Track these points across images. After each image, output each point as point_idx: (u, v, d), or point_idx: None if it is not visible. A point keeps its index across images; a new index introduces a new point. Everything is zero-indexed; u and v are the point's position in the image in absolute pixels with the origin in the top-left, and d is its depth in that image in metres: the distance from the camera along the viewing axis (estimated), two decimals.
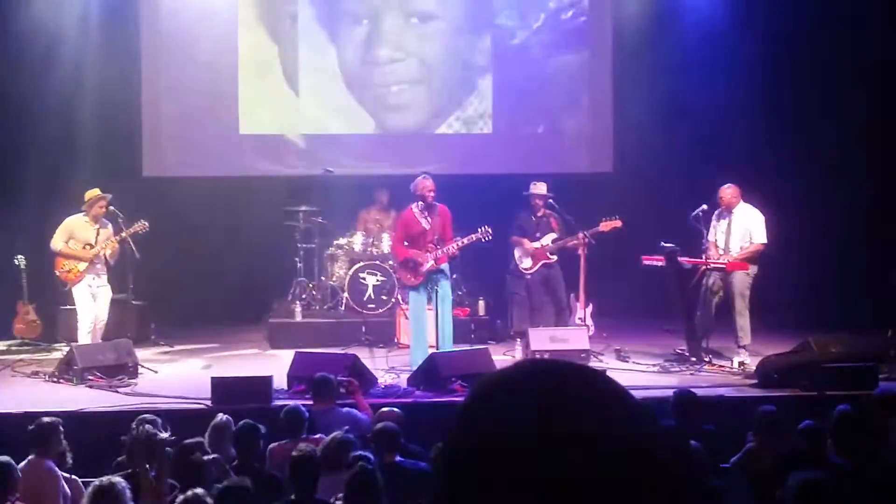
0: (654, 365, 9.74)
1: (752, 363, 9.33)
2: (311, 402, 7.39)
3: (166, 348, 11.25)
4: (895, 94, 12.25)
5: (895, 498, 5.10)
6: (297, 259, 12.00)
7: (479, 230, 9.67)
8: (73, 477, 5.93)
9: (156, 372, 9.75)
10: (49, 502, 5.73)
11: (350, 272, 11.66)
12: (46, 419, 6.19)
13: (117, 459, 6.00)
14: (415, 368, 9.20)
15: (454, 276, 11.56)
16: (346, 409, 7.36)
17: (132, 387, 9.03)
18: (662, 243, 9.86)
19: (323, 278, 12.11)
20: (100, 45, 12.57)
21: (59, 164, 12.08)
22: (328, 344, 10.57)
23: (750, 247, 9.82)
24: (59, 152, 12.21)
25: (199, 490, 4.77)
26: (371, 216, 12.32)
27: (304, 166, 13.04)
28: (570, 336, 9.90)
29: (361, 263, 11.71)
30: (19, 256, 11.43)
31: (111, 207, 10.21)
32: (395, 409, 7.03)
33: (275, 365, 9.40)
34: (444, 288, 9.71)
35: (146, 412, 7.02)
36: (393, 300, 11.51)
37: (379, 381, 8.92)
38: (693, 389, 7.44)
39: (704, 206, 9.89)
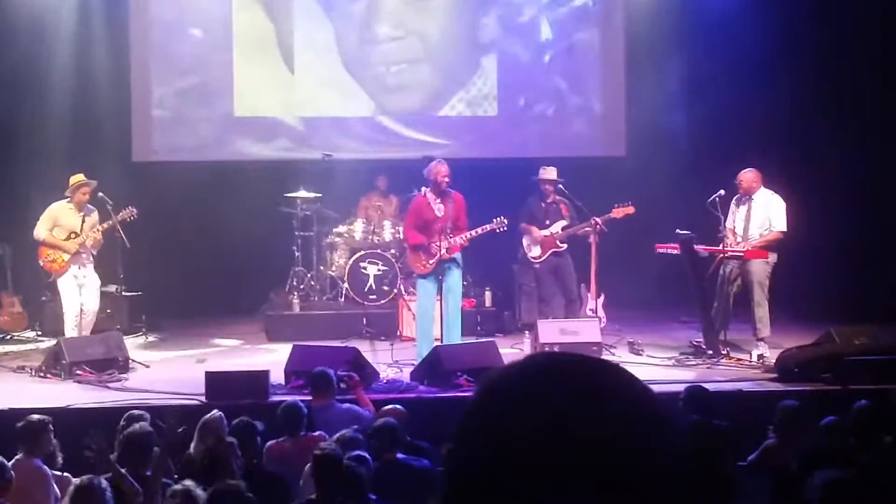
0: (669, 358, 9.73)
1: (771, 356, 9.31)
2: (309, 398, 7.39)
3: (158, 341, 11.26)
4: None
5: None
6: (294, 248, 12.00)
7: (495, 220, 9.66)
8: (66, 475, 5.94)
9: (147, 366, 9.76)
10: (39, 502, 5.75)
11: (350, 261, 11.66)
12: (36, 417, 6.20)
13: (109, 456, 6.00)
14: (419, 362, 9.20)
15: (468, 279, 11.58)
16: (346, 405, 7.36)
17: (123, 382, 9.04)
18: (678, 231, 9.84)
19: (322, 268, 12.11)
20: (86, 24, 12.54)
21: (44, 148, 12.07)
22: (327, 337, 10.58)
23: (769, 234, 9.79)
24: (43, 136, 12.20)
25: (188, 482, 4.78)
26: (372, 203, 12.32)
27: (302, 151, 13.03)
28: (580, 328, 9.88)
29: (362, 252, 11.70)
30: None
31: (100, 194, 10.19)
32: (398, 406, 7.03)
33: (272, 359, 9.41)
34: (455, 278, 9.70)
35: (137, 408, 7.05)
36: (395, 291, 11.50)
37: (381, 376, 8.92)
38: (710, 383, 7.44)
39: (722, 192, 9.86)
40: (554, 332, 9.73)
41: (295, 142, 13.23)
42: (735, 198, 10.01)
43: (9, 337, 11.38)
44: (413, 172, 10.66)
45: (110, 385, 8.88)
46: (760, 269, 9.70)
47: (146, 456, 5.75)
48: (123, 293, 11.07)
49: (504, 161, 12.71)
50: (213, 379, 8.17)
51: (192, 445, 6.12)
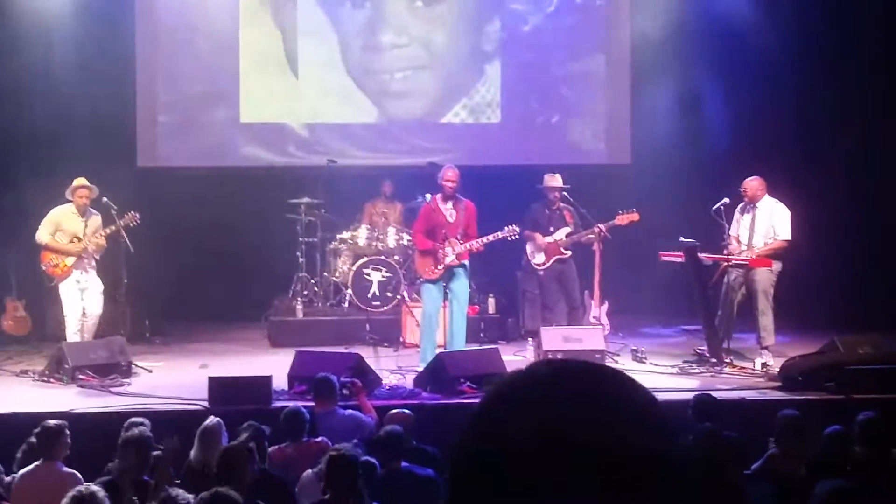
0: (672, 366, 9.71)
1: (775, 365, 9.29)
2: (312, 404, 7.39)
3: (161, 346, 11.26)
4: None
5: None
6: (298, 254, 12.00)
7: (506, 229, 9.69)
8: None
9: (150, 371, 9.76)
10: None
11: (354, 267, 11.65)
12: (52, 422, 6.23)
13: (108, 466, 6.01)
14: (423, 367, 9.19)
15: (473, 286, 11.58)
16: (349, 412, 7.36)
17: (125, 387, 9.04)
18: (682, 238, 9.83)
19: (325, 274, 12.11)
20: (92, 30, 12.54)
21: (48, 153, 12.08)
22: (331, 343, 10.56)
23: (774, 243, 9.78)
24: (48, 141, 12.20)
25: (178, 491, 4.78)
26: (376, 209, 12.31)
27: (307, 157, 13.05)
28: (584, 335, 9.86)
29: (366, 258, 11.70)
30: None
31: (104, 199, 10.20)
32: (406, 411, 7.04)
33: (275, 364, 9.40)
34: (462, 285, 9.71)
35: (140, 413, 7.05)
36: (399, 297, 11.50)
37: (384, 382, 8.92)
38: (713, 392, 7.43)
39: (727, 200, 9.85)
40: (557, 339, 9.71)
41: (300, 148, 13.25)
42: (739, 206, 10.00)
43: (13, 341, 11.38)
44: (417, 179, 10.69)
45: (113, 390, 8.88)
46: (765, 278, 9.68)
47: (145, 461, 5.76)
48: (127, 298, 11.07)
49: (507, 168, 12.72)
50: (216, 384, 8.16)
51: (192, 452, 6.13)
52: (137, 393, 8.74)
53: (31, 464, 6.00)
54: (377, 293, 11.58)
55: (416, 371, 9.26)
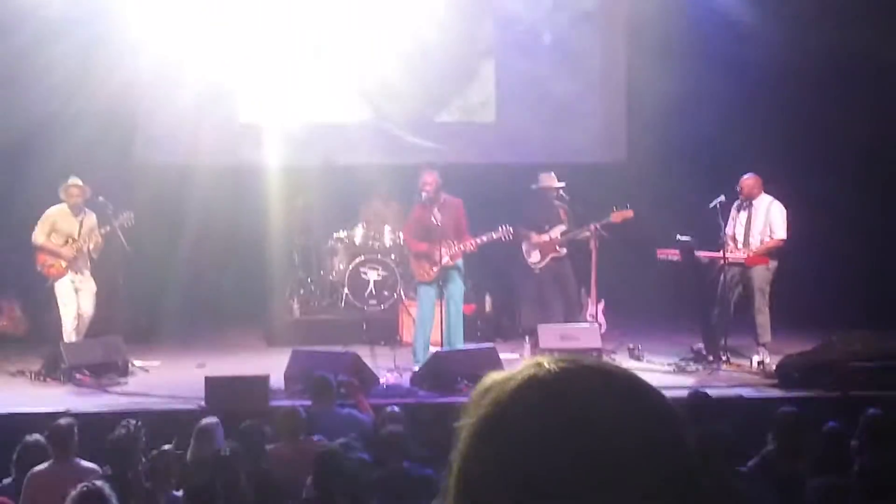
0: (669, 364, 9.73)
1: (772, 362, 9.31)
2: (309, 403, 7.39)
3: (158, 345, 11.25)
4: None
5: None
6: (295, 253, 12.00)
7: (500, 229, 9.69)
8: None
9: (147, 370, 9.76)
10: None
11: (350, 267, 11.65)
12: (63, 420, 6.27)
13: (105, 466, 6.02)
14: (417, 366, 9.20)
15: (469, 283, 11.58)
16: (346, 411, 7.36)
17: (122, 386, 9.05)
18: (678, 236, 9.84)
19: (322, 273, 12.11)
20: (89, 27, 12.50)
21: (46, 151, 12.04)
22: (327, 342, 10.56)
23: (769, 241, 9.79)
24: (45, 139, 12.15)
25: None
26: (372, 208, 12.30)
27: (303, 156, 13.02)
28: (580, 333, 9.88)
29: (362, 257, 11.70)
30: None
31: (100, 198, 10.19)
32: (395, 409, 7.06)
33: (272, 364, 9.40)
34: (457, 285, 9.73)
35: (137, 413, 7.06)
36: (395, 296, 11.50)
37: (381, 381, 8.92)
38: (710, 389, 7.44)
39: (723, 197, 9.85)
40: (554, 337, 9.73)
41: (296, 148, 13.21)
42: (736, 203, 10.01)
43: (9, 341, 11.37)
44: (413, 178, 10.65)
45: (109, 389, 8.89)
46: (761, 276, 9.69)
47: (129, 460, 5.78)
48: (123, 297, 11.07)
49: (502, 167, 12.71)
50: (212, 384, 8.17)
51: (189, 451, 6.13)
52: (134, 392, 8.75)
53: (30, 464, 6.00)
54: (374, 292, 11.58)
55: (413, 370, 9.26)
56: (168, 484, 5.56)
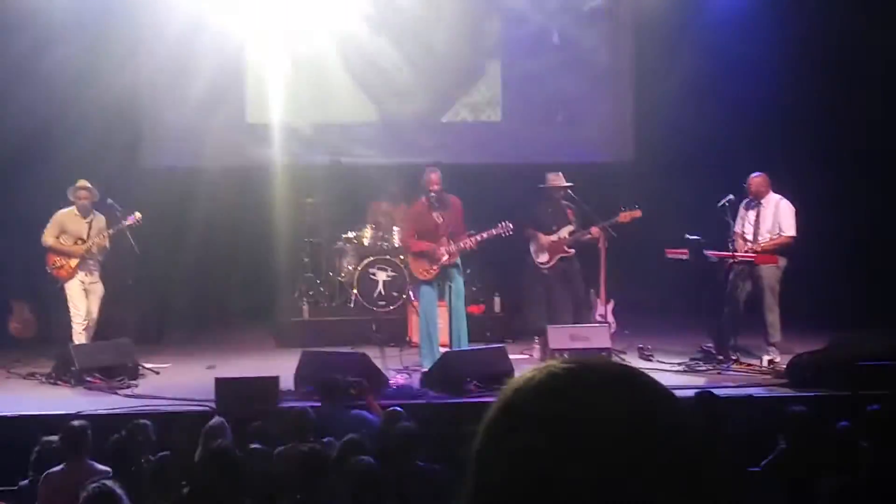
0: (678, 363, 9.72)
1: (782, 361, 9.30)
2: (318, 404, 7.40)
3: (168, 348, 11.27)
4: None
5: None
6: (303, 254, 12.01)
7: (500, 225, 9.65)
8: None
9: (157, 373, 9.78)
10: None
11: (359, 267, 11.65)
12: (76, 422, 6.30)
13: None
14: (426, 368, 9.20)
15: (468, 270, 11.57)
16: (355, 412, 7.36)
17: (132, 388, 9.06)
18: (687, 235, 9.83)
19: (331, 274, 12.11)
20: (95, 26, 12.53)
21: (55, 154, 12.06)
22: (337, 343, 10.58)
23: (778, 238, 9.77)
24: (53, 142, 12.17)
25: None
26: (381, 208, 12.29)
27: (312, 156, 13.04)
28: (590, 334, 9.87)
29: (371, 258, 11.70)
30: None
31: (109, 201, 10.22)
32: (398, 409, 7.07)
33: (281, 365, 9.41)
34: (458, 283, 9.72)
35: (147, 415, 7.08)
36: (404, 297, 11.50)
37: (390, 382, 8.93)
38: (720, 389, 7.42)
39: (731, 196, 9.84)
40: (564, 337, 9.72)
41: (304, 148, 13.24)
42: (744, 202, 9.99)
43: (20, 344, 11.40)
44: (422, 177, 10.63)
45: (120, 392, 8.91)
46: (771, 274, 9.68)
47: (130, 462, 5.80)
48: (133, 299, 11.08)
49: (509, 167, 12.70)
50: (222, 385, 8.18)
51: (198, 453, 6.13)
52: (144, 394, 8.76)
53: (47, 465, 6.02)
54: (383, 293, 11.58)
55: (422, 370, 9.26)
56: (173, 486, 5.56)
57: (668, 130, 12.59)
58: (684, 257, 9.90)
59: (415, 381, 9.07)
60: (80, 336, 9.93)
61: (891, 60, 12.15)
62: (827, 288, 11.52)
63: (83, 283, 10.08)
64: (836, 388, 8.31)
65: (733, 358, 9.64)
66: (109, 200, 10.25)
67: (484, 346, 10.04)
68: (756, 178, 9.90)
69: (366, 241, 11.94)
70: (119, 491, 4.72)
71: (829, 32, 12.27)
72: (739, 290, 9.79)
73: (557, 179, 10.67)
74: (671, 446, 1.07)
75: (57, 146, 12.14)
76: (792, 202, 9.84)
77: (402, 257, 11.69)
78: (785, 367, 9.03)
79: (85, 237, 10.09)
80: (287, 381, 8.56)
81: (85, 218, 10.15)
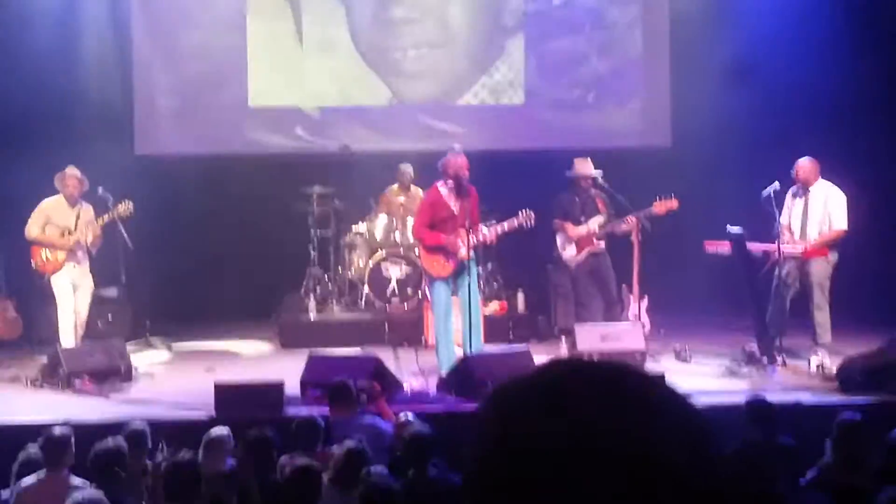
0: (719, 367, 9.69)
1: (832, 364, 9.26)
2: (327, 411, 7.41)
3: (164, 350, 11.31)
4: None
5: None
6: (310, 247, 12.03)
7: (520, 214, 9.59)
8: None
9: (152, 376, 9.81)
10: None
11: (371, 262, 11.67)
12: (58, 430, 6.30)
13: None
14: (443, 372, 9.19)
15: (489, 265, 11.57)
16: (367, 419, 7.37)
17: (125, 393, 9.10)
18: (729, 227, 9.80)
19: (340, 269, 12.13)
20: (83, 3, 12.57)
21: (40, 140, 12.11)
22: (347, 344, 10.59)
23: (829, 232, 9.73)
24: (39, 128, 12.21)
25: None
26: (394, 198, 12.30)
27: (319, 142, 13.07)
28: (622, 334, 9.86)
29: (384, 252, 11.71)
30: None
31: (100, 189, 10.26)
32: (409, 415, 7.09)
33: (286, 368, 9.44)
34: (474, 277, 9.63)
35: (139, 421, 7.09)
36: (420, 294, 11.51)
37: (405, 387, 8.94)
38: (764, 394, 7.40)
39: (777, 184, 9.80)
40: (593, 337, 9.71)
41: (310, 133, 13.26)
42: (791, 191, 9.96)
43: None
44: (435, 164, 10.63)
45: (112, 396, 8.94)
46: (820, 270, 9.64)
47: (116, 474, 5.81)
48: (126, 297, 11.13)
49: (532, 153, 12.68)
50: (222, 391, 8.20)
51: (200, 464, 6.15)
52: (138, 400, 8.80)
53: (31, 475, 6.05)
54: (396, 290, 11.59)
55: (439, 374, 9.26)
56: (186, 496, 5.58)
57: (707, 112, 12.51)
58: (725, 251, 9.86)
59: (431, 385, 9.07)
60: (67, 335, 9.97)
61: None
62: (881, 284, 11.47)
63: (71, 277, 10.12)
64: (891, 394, 8.28)
65: (778, 360, 9.60)
66: (100, 190, 10.28)
67: (506, 348, 10.04)
68: (804, 164, 9.86)
69: (378, 234, 11.95)
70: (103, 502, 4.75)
71: (890, 3, 12.19)
72: (785, 287, 9.76)
73: (586, 166, 10.66)
74: (661, 452, 1.08)
75: (43, 131, 12.17)
76: (844, 190, 9.79)
77: (416, 251, 11.70)
78: (835, 370, 9.00)
79: (72, 228, 10.13)
80: (293, 387, 8.57)
81: (72, 207, 10.19)
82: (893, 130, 12.18)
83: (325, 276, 12.08)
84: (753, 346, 9.86)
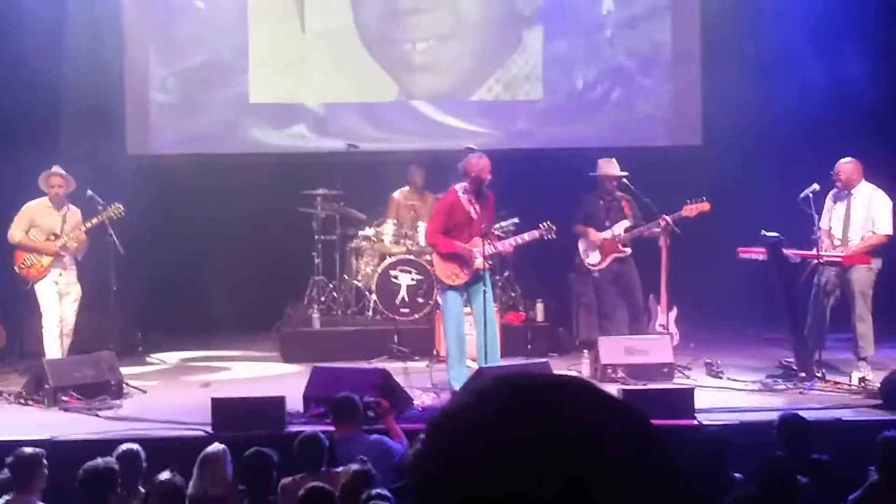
0: (753, 382, 9.66)
1: (875, 379, 9.23)
2: (332, 428, 7.41)
3: (157, 363, 11.32)
4: None
5: None
6: (314, 254, 12.03)
7: (541, 226, 9.61)
8: None
9: (144, 391, 9.82)
10: None
11: (379, 269, 11.66)
12: (28, 450, 6.27)
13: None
14: (456, 387, 9.18)
15: (506, 273, 11.55)
16: (374, 436, 7.36)
17: (116, 409, 9.10)
18: (764, 232, 9.77)
19: (346, 277, 12.13)
20: None
21: (26, 140, 12.12)
22: (353, 357, 10.62)
23: (871, 238, 9.70)
24: (24, 127, 12.22)
25: None
26: (404, 201, 12.30)
27: (323, 140, 13.07)
28: (649, 346, 9.84)
29: (393, 259, 11.71)
30: None
31: (89, 192, 10.27)
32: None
33: (288, 383, 9.44)
34: (489, 287, 9.63)
35: (133, 440, 7.09)
36: (431, 303, 11.50)
37: (415, 402, 8.93)
38: (803, 411, 7.38)
39: (816, 186, 9.78)
40: (618, 350, 9.70)
41: (315, 131, 13.27)
42: (831, 193, 9.93)
43: None
44: (451, 165, 10.65)
45: (101, 413, 8.94)
46: (862, 278, 9.61)
47: (105, 495, 5.81)
48: (116, 307, 11.12)
49: (551, 152, 12.67)
50: (220, 406, 8.20)
51: (192, 483, 6.16)
52: (129, 416, 8.79)
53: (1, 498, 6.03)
54: (406, 299, 11.59)
55: (451, 389, 9.25)
56: None
57: (741, 110, 12.51)
58: (760, 257, 9.84)
59: (443, 401, 9.06)
60: (53, 345, 9.98)
61: None
62: None
63: (57, 283, 10.13)
64: None
65: (818, 375, 9.56)
66: (89, 192, 10.29)
67: (524, 361, 10.03)
68: (846, 165, 9.83)
69: (386, 240, 11.94)
70: None
71: None
72: (825, 297, 9.73)
73: (610, 167, 10.66)
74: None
75: (29, 131, 12.19)
76: (889, 193, 9.76)
77: (427, 258, 11.69)
78: (878, 385, 8.96)
79: (58, 232, 10.14)
80: (295, 402, 8.58)
81: (58, 210, 10.20)
82: None
83: (330, 283, 12.08)
84: (791, 360, 9.84)
